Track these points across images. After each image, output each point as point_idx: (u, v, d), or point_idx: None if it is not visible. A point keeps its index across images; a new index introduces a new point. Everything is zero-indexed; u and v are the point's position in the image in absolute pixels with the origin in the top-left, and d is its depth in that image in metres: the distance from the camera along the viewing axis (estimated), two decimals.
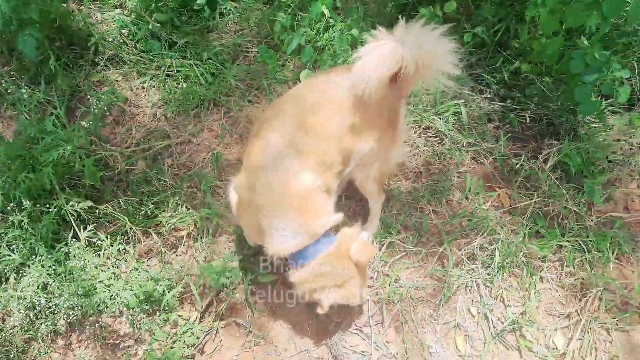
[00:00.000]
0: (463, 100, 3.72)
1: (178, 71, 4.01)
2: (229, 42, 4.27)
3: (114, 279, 2.78)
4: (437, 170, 3.52)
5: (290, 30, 3.94)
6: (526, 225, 3.23)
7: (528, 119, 3.75)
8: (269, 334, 2.89)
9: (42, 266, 2.76)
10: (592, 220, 3.26)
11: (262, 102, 3.90)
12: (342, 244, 2.48)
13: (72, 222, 2.98)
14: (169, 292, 2.75)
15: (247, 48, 4.25)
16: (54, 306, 2.70)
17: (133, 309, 2.68)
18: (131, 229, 3.07)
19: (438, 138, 3.68)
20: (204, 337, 2.85)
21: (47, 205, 2.94)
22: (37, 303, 2.71)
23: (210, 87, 3.91)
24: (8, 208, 2.85)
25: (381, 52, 2.38)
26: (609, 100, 3.68)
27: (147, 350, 2.68)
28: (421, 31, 2.46)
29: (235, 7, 4.49)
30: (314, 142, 2.43)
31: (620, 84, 3.45)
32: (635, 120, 3.66)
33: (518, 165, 3.48)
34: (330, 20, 3.94)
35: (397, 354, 2.83)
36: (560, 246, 3.16)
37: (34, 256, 2.83)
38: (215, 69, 4.02)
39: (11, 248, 2.87)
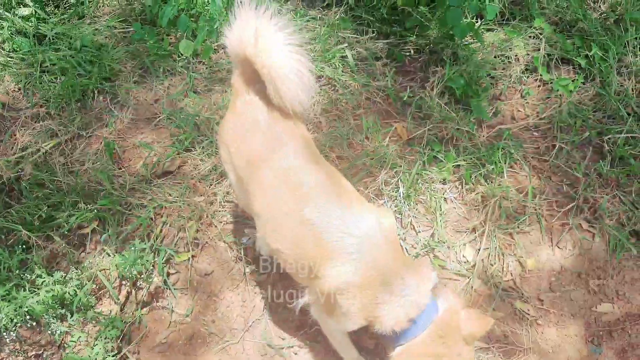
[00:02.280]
0: (347, 44, 3.75)
1: (53, 65, 3.81)
2: (103, 25, 4.08)
3: (16, 291, 2.67)
4: (335, 117, 3.57)
5: (162, 2, 3.81)
6: (424, 152, 3.35)
7: (412, 51, 3.84)
8: (192, 311, 2.88)
9: None
10: (483, 136, 3.42)
11: (149, 80, 3.78)
12: (449, 313, 2.05)
13: None
14: (80, 292, 2.68)
15: (124, 28, 4.09)
16: None
17: (43, 316, 2.60)
18: (29, 237, 2.94)
19: (330, 85, 3.71)
20: (128, 328, 2.81)
21: None
22: None
23: (91, 75, 3.75)
24: None
25: None
26: (483, 20, 3.80)
27: (67, 354, 2.62)
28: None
29: None
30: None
31: (490, 1, 3.58)
32: (510, 34, 3.82)
33: (409, 97, 3.58)
34: None
35: None
36: (458, 166, 3.30)
37: None
38: (92, 56, 3.85)
39: None
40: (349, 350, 2.55)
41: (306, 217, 2.06)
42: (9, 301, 2.60)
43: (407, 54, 3.84)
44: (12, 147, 3.51)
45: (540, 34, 3.85)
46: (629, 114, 3.42)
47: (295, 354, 2.75)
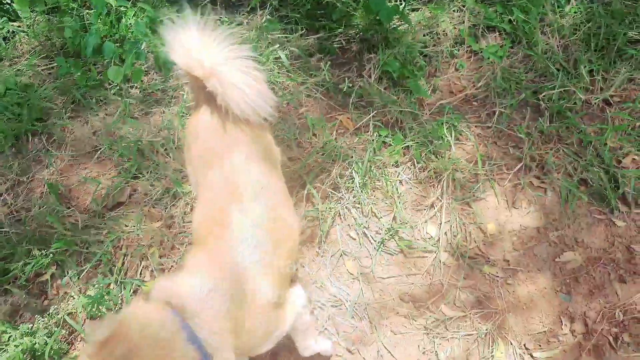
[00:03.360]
0: (278, 45, 3.75)
1: None
2: (25, 65, 3.93)
3: None
4: (279, 119, 3.56)
5: (82, 32, 3.70)
6: (372, 140, 3.39)
7: (344, 42, 3.87)
8: None
9: None
10: (426, 114, 3.49)
11: (83, 114, 3.67)
12: None
13: None
14: (50, 340, 2.58)
15: (47, 65, 3.95)
16: None
17: None
18: None
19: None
20: None
21: None
22: None
23: (21, 118, 3.61)
24: None
25: None
26: (406, 1, 3.88)
27: None
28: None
29: (19, 26, 4.12)
30: None
31: None
32: (434, 11, 3.91)
33: (348, 88, 3.61)
34: (121, 8, 3.75)
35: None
36: (407, 147, 3.36)
37: None
38: (19, 98, 3.70)
39: None
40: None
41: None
42: None
43: (339, 45, 3.87)
44: None
45: (463, 6, 3.95)
46: (558, 70, 3.56)
47: None
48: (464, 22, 3.84)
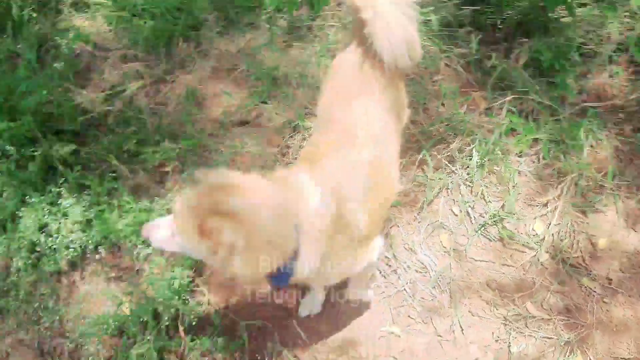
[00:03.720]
0: (432, 7, 3.71)
1: (144, 10, 3.95)
2: None
3: (108, 212, 2.86)
4: (412, 80, 3.56)
5: None
6: (502, 124, 3.30)
7: (498, 21, 3.76)
8: None
9: (36, 209, 2.84)
10: (565, 113, 3.34)
11: (231, 32, 3.88)
12: None
13: (59, 166, 3.03)
14: None
15: None
16: (54, 245, 2.80)
17: (129, 239, 2.78)
18: (117, 167, 3.12)
19: None
20: (201, 263, 2.95)
21: (32, 152, 2.98)
22: (37, 243, 2.81)
23: (178, 23, 3.87)
24: None
25: None
26: None
27: (147, 275, 2.80)
28: None
29: None
30: None
31: None
32: (606, 11, 3.68)
33: (490, 67, 3.52)
34: None
35: (387, 257, 2.97)
36: (536, 140, 3.25)
37: (25, 202, 2.90)
38: (180, 3, 3.96)
39: (2, 196, 2.93)
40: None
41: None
42: (100, 224, 2.79)
43: (493, 23, 3.76)
44: (101, 86, 3.69)
45: (637, 13, 3.68)
46: None
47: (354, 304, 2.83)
48: (633, 29, 3.58)
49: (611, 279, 2.82)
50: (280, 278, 1.95)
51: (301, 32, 3.88)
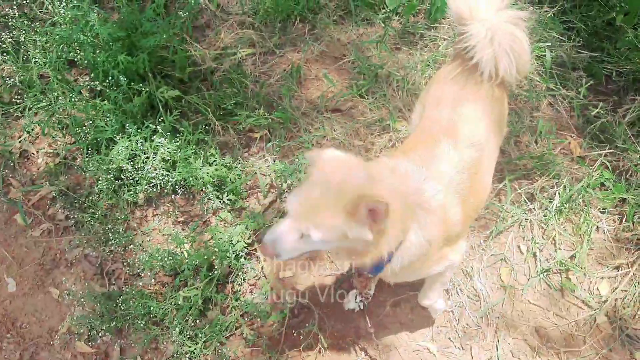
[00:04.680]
0: (549, 44, 3.64)
1: None
2: None
3: (193, 159, 3.03)
4: (511, 110, 3.52)
5: None
6: (592, 175, 3.21)
7: (614, 73, 3.64)
8: None
9: (130, 140, 3.04)
10: None
11: (346, 22, 3.96)
12: None
13: (160, 107, 3.22)
14: (238, 180, 2.98)
15: None
16: (138, 177, 2.99)
17: (206, 186, 2.93)
18: (212, 121, 3.29)
19: None
20: (264, 228, 3.07)
21: (140, 88, 3.19)
22: (124, 171, 3.01)
23: (299, 2, 4.00)
24: (105, 84, 3.13)
25: None
26: None
27: (212, 227, 2.94)
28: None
29: None
30: None
31: None
32: None
33: (594, 117, 3.43)
34: None
35: None
36: (623, 200, 3.14)
37: (123, 132, 3.12)
38: None
39: (105, 121, 3.16)
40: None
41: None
42: (184, 166, 2.96)
43: (608, 73, 3.65)
44: (215, 44, 3.89)
45: None
46: None
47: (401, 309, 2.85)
48: None
49: None
50: (379, 266, 1.98)
51: (413, 39, 3.91)
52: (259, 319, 2.87)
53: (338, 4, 4.07)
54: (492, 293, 2.95)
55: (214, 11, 4.04)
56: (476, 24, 2.28)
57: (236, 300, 2.90)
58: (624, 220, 3.08)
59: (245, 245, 2.95)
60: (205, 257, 2.86)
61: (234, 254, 2.85)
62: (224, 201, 3.01)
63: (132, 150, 3.03)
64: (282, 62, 3.80)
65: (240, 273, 2.93)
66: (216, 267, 2.85)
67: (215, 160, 3.01)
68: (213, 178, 2.96)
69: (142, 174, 3.01)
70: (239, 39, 3.88)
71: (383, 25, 3.93)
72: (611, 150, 3.29)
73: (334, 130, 3.43)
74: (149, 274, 2.94)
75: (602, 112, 3.44)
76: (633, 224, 3.06)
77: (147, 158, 3.05)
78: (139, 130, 3.09)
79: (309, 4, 3.99)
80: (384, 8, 3.93)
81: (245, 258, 2.96)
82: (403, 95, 3.57)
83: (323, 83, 3.69)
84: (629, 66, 3.63)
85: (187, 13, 3.51)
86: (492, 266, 3.03)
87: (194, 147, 3.12)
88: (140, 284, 2.96)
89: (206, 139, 3.25)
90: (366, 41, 3.84)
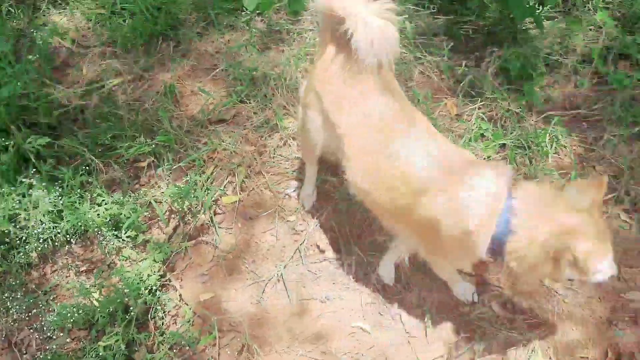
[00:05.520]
0: (407, 16, 3.82)
1: (123, 8, 3.98)
2: None
3: (79, 203, 2.87)
4: None
5: None
6: (472, 129, 3.41)
7: (471, 31, 3.89)
8: (235, 249, 3.04)
9: (7, 200, 2.83)
10: (532, 120, 3.46)
11: (211, 32, 3.93)
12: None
13: (32, 158, 3.02)
14: (134, 214, 2.86)
15: None
16: (24, 236, 2.79)
17: (100, 230, 2.79)
18: (92, 160, 3.14)
19: None
20: (173, 256, 2.98)
21: (5, 144, 2.97)
22: (7, 234, 2.79)
23: (157, 22, 3.91)
24: None
25: None
26: (544, 7, 3.83)
27: (117, 269, 2.81)
28: None
29: None
30: None
31: None
32: (571, 24, 3.84)
33: (462, 75, 3.64)
34: None
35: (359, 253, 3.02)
36: (503, 145, 3.36)
37: None
38: (160, 3, 4.00)
39: None
40: (457, 276, 2.83)
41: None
42: (71, 213, 2.80)
43: (465, 33, 3.89)
44: (78, 81, 3.70)
45: (600, 27, 3.85)
46: None
47: (326, 300, 2.89)
48: (597, 42, 3.75)
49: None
50: None
51: (280, 35, 3.95)
52: (188, 347, 2.77)
53: (198, 16, 4.02)
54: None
55: (70, 48, 3.86)
56: (351, 18, 2.23)
57: (161, 335, 2.80)
58: (507, 162, 3.30)
59: (158, 277, 2.84)
60: (118, 300, 2.73)
61: (148, 290, 2.74)
62: (123, 239, 2.88)
63: (10, 210, 2.82)
64: (154, 84, 3.70)
65: (158, 307, 2.82)
66: (132, 307, 2.73)
67: (104, 200, 2.87)
68: (106, 219, 2.82)
69: (28, 232, 2.81)
70: (103, 70, 3.73)
71: (247, 27, 3.93)
72: (483, 103, 3.51)
73: (223, 141, 3.39)
74: (61, 334, 2.75)
75: (467, 69, 3.66)
76: (516, 164, 3.29)
77: (29, 215, 2.85)
78: (12, 189, 2.87)
79: (167, 21, 3.90)
80: (243, 11, 3.93)
81: (160, 291, 2.86)
82: (284, 92, 3.59)
83: (201, 97, 3.63)
84: (482, 22, 3.89)
85: (36, 56, 3.31)
86: None
87: (78, 191, 2.96)
88: (54, 346, 2.76)
89: (90, 179, 3.09)
90: (234, 47, 3.82)
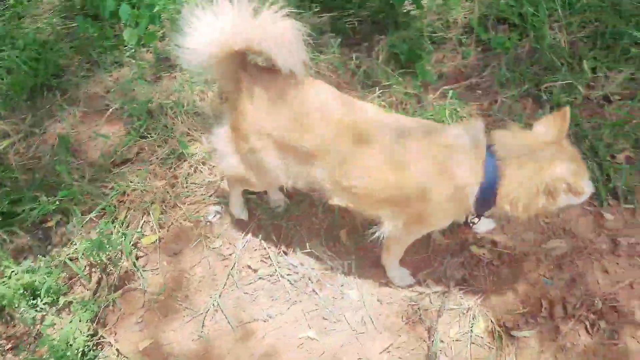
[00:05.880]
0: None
1: None
2: (44, 23, 4.05)
3: None
4: None
5: None
6: None
7: (356, 23, 3.96)
8: (165, 289, 2.95)
9: None
10: (430, 98, 3.57)
11: (97, 73, 3.79)
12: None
13: None
14: (49, 278, 2.72)
15: (66, 24, 4.07)
16: None
17: (15, 307, 2.63)
18: None
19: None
20: (102, 311, 2.85)
21: None
22: None
23: (38, 73, 3.73)
24: None
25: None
26: None
27: (43, 339, 2.65)
28: None
29: None
30: None
31: None
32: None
33: (355, 67, 3.70)
34: None
35: (293, 264, 3.01)
36: None
37: None
38: (37, 54, 3.82)
39: None
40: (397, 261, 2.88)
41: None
42: None
43: (351, 26, 3.96)
44: None
45: None
46: (562, 64, 3.62)
47: (268, 318, 2.86)
48: (474, 11, 3.91)
49: (496, 242, 3.04)
50: None
51: (169, 62, 3.87)
52: None
53: (80, 59, 3.89)
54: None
55: None
56: (263, 42, 2.25)
57: None
58: None
59: (88, 337, 2.71)
60: None
61: (79, 353, 2.61)
62: (41, 307, 2.73)
63: None
64: (47, 138, 3.54)
65: None
66: None
67: (14, 271, 2.70)
68: (19, 290, 2.66)
69: None
70: None
71: (134, 61, 3.82)
72: (381, 91, 3.58)
73: (131, 181, 3.28)
74: None
75: (358, 61, 3.72)
76: None
77: None
78: None
79: (48, 71, 3.73)
80: (126, 46, 3.82)
81: (95, 350, 2.73)
82: (184, 119, 3.53)
83: (99, 141, 3.50)
84: (365, 13, 3.97)
85: None
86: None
87: None
88: None
89: None
90: (124, 83, 3.71)
